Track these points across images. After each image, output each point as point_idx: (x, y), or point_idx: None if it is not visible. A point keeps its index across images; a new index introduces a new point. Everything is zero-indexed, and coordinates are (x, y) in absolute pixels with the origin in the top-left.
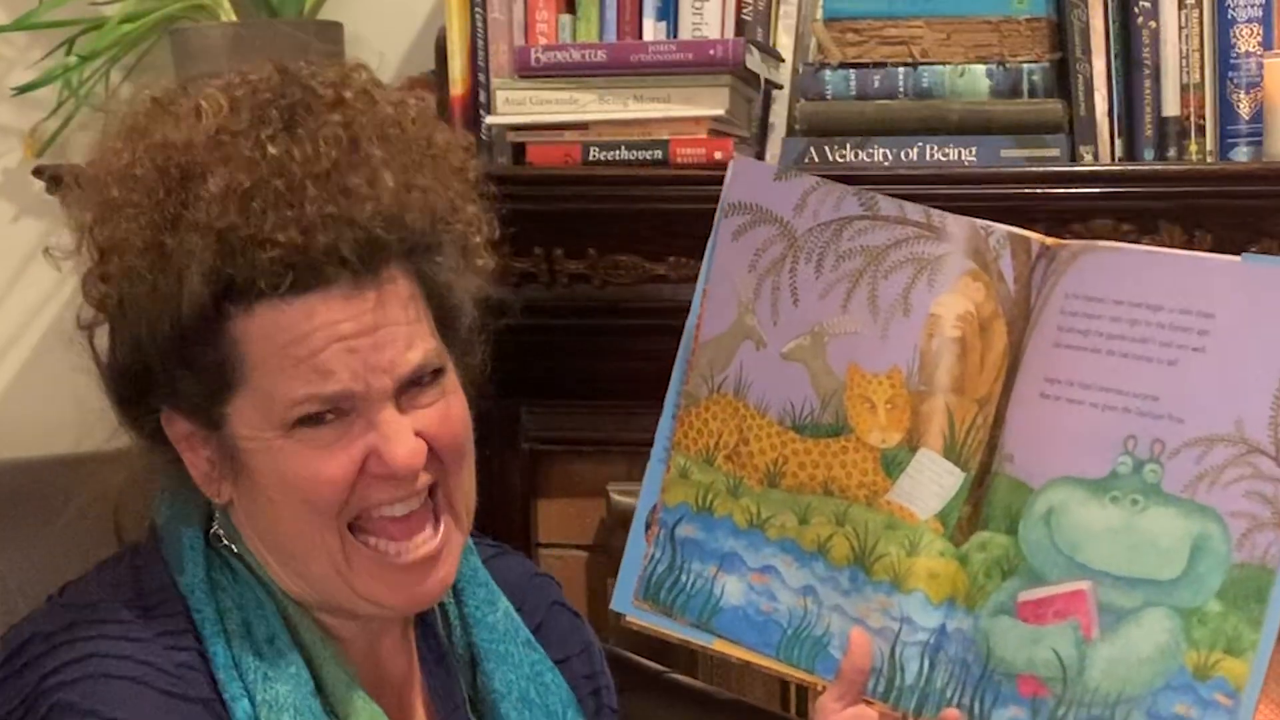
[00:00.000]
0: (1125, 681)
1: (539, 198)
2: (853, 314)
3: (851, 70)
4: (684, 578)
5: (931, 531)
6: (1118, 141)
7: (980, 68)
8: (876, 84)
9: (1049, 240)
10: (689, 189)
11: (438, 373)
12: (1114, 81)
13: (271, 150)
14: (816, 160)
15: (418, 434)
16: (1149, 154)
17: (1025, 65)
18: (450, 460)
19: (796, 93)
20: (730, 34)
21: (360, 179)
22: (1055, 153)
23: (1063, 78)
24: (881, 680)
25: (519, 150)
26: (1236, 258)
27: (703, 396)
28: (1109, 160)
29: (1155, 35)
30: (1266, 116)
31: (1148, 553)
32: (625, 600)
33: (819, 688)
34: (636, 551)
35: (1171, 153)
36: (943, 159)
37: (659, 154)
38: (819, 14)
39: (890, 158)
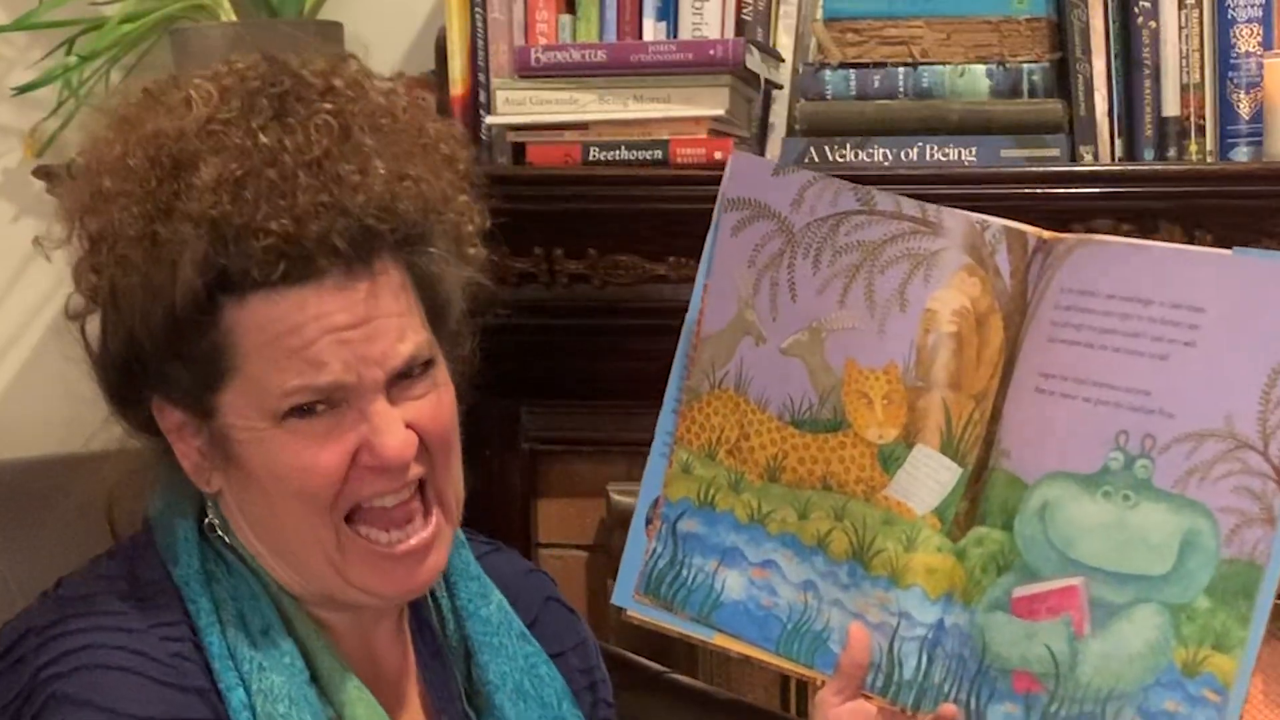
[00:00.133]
0: (1116, 678)
1: (539, 198)
2: (850, 309)
3: (851, 70)
4: (685, 572)
5: (929, 527)
6: (1118, 141)
7: (980, 68)
8: (876, 84)
9: (1045, 234)
10: (689, 189)
11: (428, 365)
12: (1114, 81)
13: (263, 139)
14: (816, 160)
15: (408, 425)
16: (1149, 154)
17: (1025, 65)
18: (440, 452)
19: (796, 93)
20: (730, 34)
21: (352, 167)
22: (1055, 153)
23: (1063, 78)
24: (880, 675)
25: (519, 150)
26: (1227, 251)
27: (704, 391)
28: (1109, 160)
29: (1155, 35)
30: (1266, 116)
31: (1138, 548)
32: (626, 595)
33: (818, 683)
34: (637, 546)
35: (1171, 153)
36: (943, 159)
37: (659, 154)
38: (819, 14)
39: (890, 158)
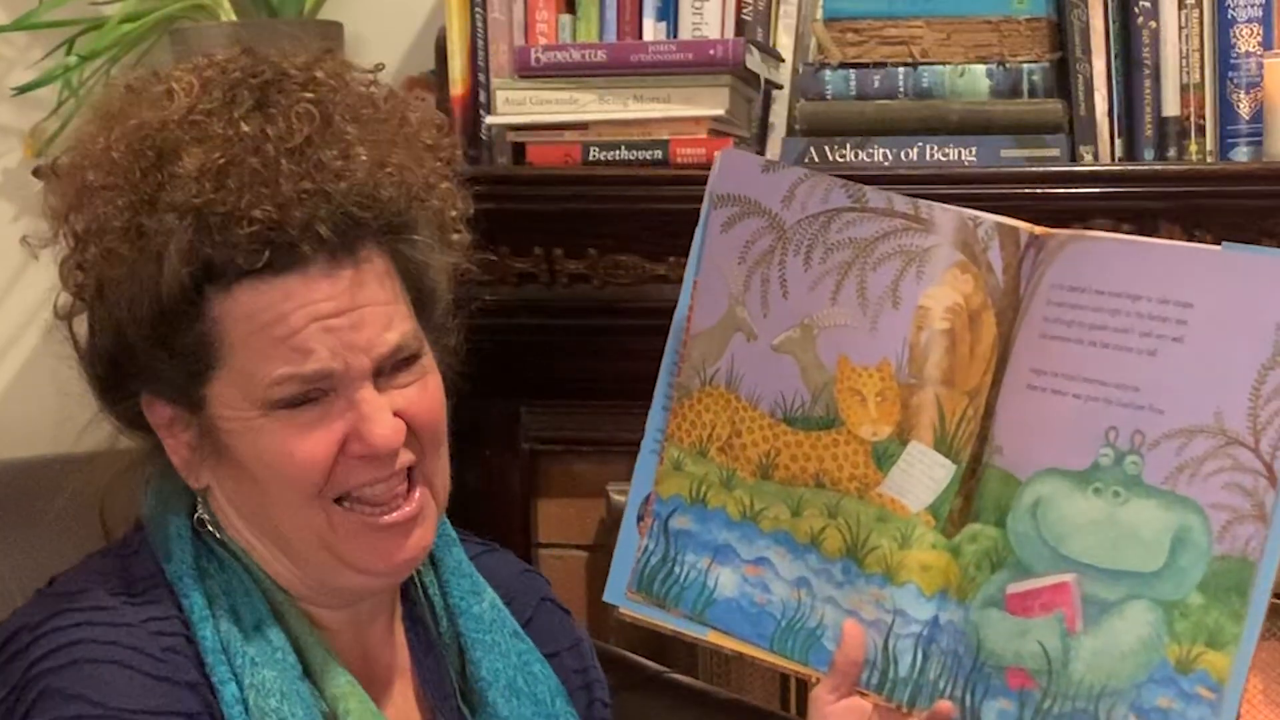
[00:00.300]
0: (1109, 674)
1: (539, 198)
2: (842, 306)
3: (851, 70)
4: (678, 569)
5: (923, 524)
6: (1118, 141)
7: (980, 68)
8: (876, 84)
9: (1037, 230)
10: (689, 189)
11: (415, 353)
12: (1114, 81)
13: (245, 128)
14: (816, 160)
15: (396, 414)
16: (1149, 154)
17: (1025, 65)
18: (428, 440)
19: (796, 93)
20: (730, 34)
21: (334, 153)
22: (1055, 153)
23: (1063, 78)
24: (875, 672)
25: (519, 150)
26: (1216, 246)
27: (695, 388)
28: (1109, 160)
29: (1155, 35)
30: (1266, 116)
31: (1130, 545)
32: (618, 592)
33: (813, 680)
34: (629, 543)
35: (1171, 153)
36: (943, 159)
37: (659, 154)
38: (819, 14)
39: (890, 158)
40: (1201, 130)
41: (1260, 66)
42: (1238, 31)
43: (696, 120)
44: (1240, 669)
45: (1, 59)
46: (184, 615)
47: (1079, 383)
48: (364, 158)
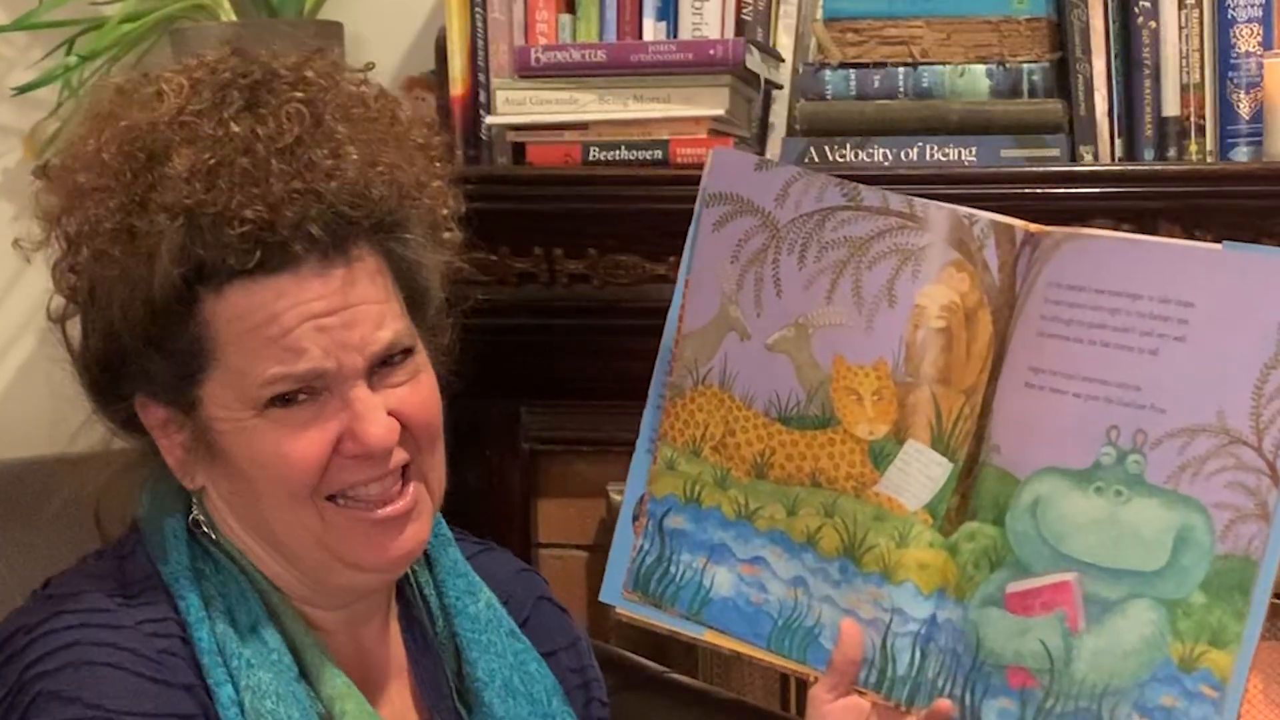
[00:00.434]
0: (1112, 673)
1: (539, 198)
2: (837, 305)
3: (851, 70)
4: (673, 569)
5: (921, 523)
6: (1118, 141)
7: (980, 68)
8: (876, 84)
9: (1033, 227)
10: (689, 189)
11: (408, 352)
12: (1114, 81)
13: (235, 128)
14: (816, 160)
15: (390, 413)
16: (1149, 154)
17: (1025, 65)
18: (424, 438)
19: (796, 93)
20: (730, 34)
21: (324, 152)
22: (1055, 153)
23: (1063, 78)
24: (874, 671)
25: (519, 150)
26: (1216, 245)
27: (688, 388)
28: (1109, 160)
29: (1155, 35)
30: (1266, 116)
31: (1132, 544)
32: (614, 592)
33: (811, 679)
34: (624, 543)
35: (1171, 153)
36: (943, 159)
37: (659, 154)
38: (819, 14)
39: (890, 158)
40: (1201, 130)
41: (1260, 66)
42: (1238, 31)
43: (696, 120)
44: (1242, 668)
45: (1, 59)
46: (180, 617)
47: (1078, 381)
48: (355, 157)
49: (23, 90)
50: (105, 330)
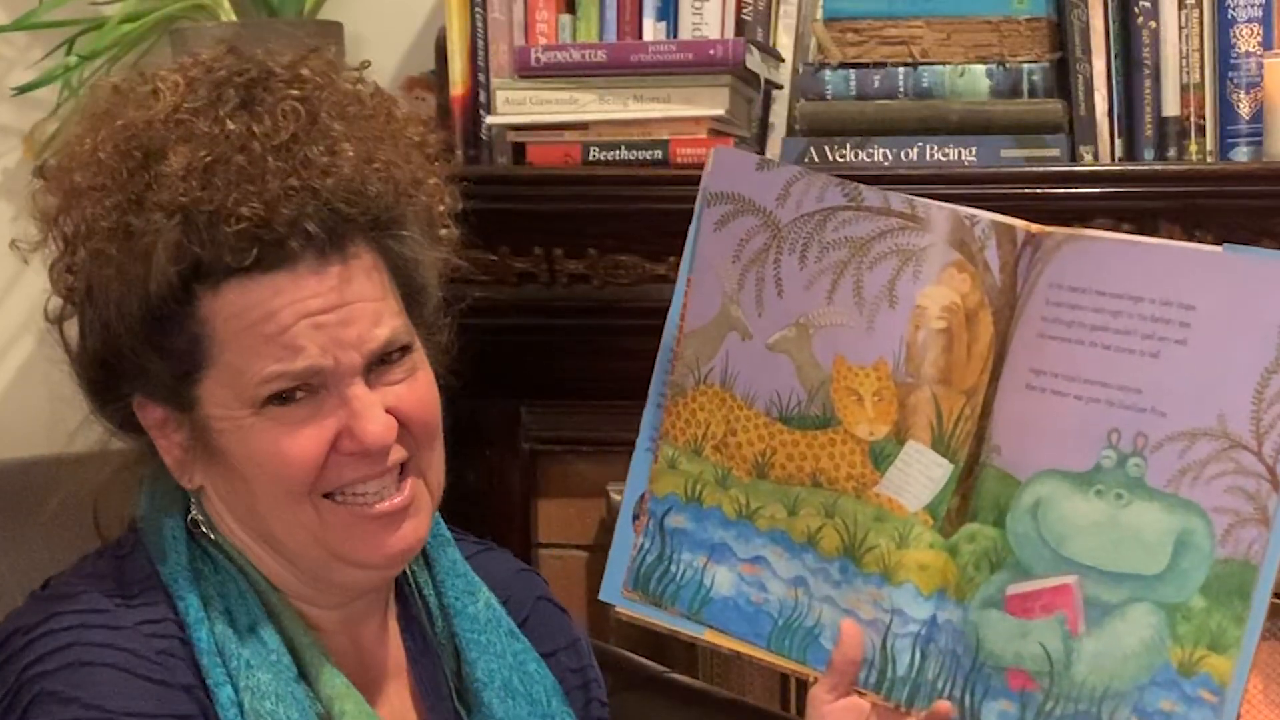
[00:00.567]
0: (1112, 677)
1: (539, 198)
2: (838, 306)
3: (851, 70)
4: (674, 568)
5: (921, 524)
6: (1118, 141)
7: (980, 68)
8: (876, 84)
9: (1034, 228)
10: (689, 189)
11: (406, 350)
12: (1114, 81)
13: (231, 126)
14: (816, 160)
15: (388, 410)
16: (1149, 154)
17: (1025, 65)
18: (422, 436)
19: (796, 93)
20: (730, 34)
21: (320, 150)
22: (1055, 153)
23: (1063, 78)
24: (874, 672)
25: (519, 150)
26: (1217, 248)
27: (689, 387)
28: (1109, 160)
29: (1155, 35)
30: (1266, 116)
31: (1132, 547)
32: (614, 590)
33: (811, 679)
34: (625, 542)
35: (1171, 153)
36: (943, 159)
37: (659, 154)
38: (819, 14)
39: (890, 158)
40: (1201, 130)
41: (1260, 66)
42: (1238, 31)
43: (696, 120)
44: (1242, 672)
45: (1, 59)
46: (179, 617)
47: (1079, 383)
48: (351, 154)
49: (23, 90)
50: (103, 330)
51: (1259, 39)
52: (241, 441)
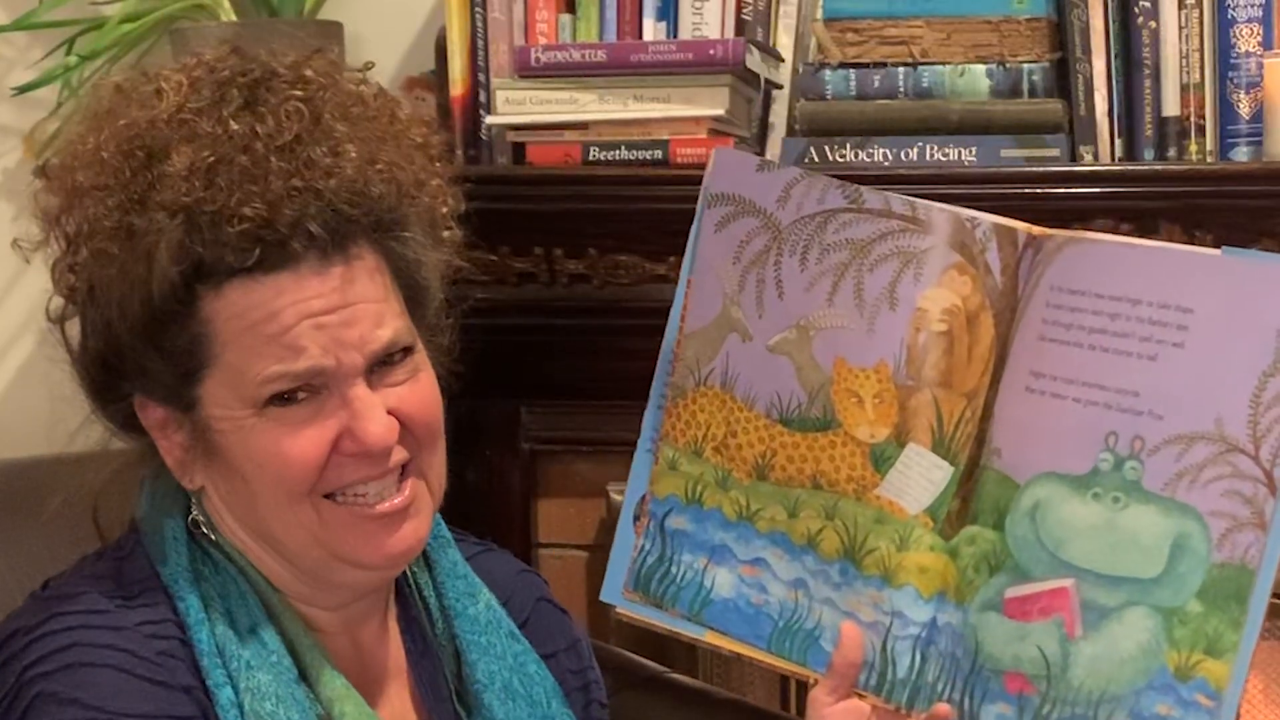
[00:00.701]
0: (1108, 680)
1: (539, 198)
2: (838, 307)
3: (851, 70)
4: (674, 569)
5: (921, 526)
6: (1118, 141)
7: (980, 68)
8: (876, 84)
9: (1035, 230)
10: (689, 189)
11: (408, 350)
12: (1114, 81)
13: (234, 126)
14: (816, 160)
15: (390, 412)
16: (1149, 154)
17: (1025, 65)
18: (424, 437)
19: (796, 93)
20: (730, 34)
21: (323, 150)
22: (1055, 153)
23: (1063, 78)
24: (874, 674)
25: (519, 150)
26: (1216, 250)
27: (689, 388)
28: (1109, 160)
29: (1155, 35)
30: (1266, 116)
31: (1129, 551)
32: (615, 591)
33: (811, 680)
34: (625, 543)
35: (1171, 153)
36: (943, 159)
37: (659, 154)
38: (819, 14)
39: (890, 158)
40: (1201, 130)
41: (1260, 66)
42: (1238, 31)
43: (696, 120)
44: (1239, 677)
45: (1, 59)
46: (179, 618)
47: (1078, 386)
48: (354, 155)
49: (23, 90)
50: (104, 330)
51: (1259, 39)
52: (242, 442)
